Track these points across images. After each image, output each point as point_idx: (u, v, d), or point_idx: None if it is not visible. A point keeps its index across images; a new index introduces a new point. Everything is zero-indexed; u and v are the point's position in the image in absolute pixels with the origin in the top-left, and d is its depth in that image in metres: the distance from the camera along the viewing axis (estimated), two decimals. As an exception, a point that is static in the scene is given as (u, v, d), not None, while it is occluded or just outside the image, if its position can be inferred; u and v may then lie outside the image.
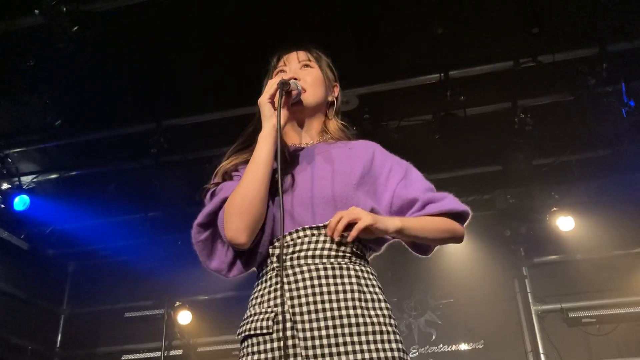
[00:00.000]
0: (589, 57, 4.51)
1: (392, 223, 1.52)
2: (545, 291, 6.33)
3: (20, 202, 5.52)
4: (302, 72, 1.76)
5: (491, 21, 4.34)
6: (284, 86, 1.57)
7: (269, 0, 4.12)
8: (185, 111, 5.09)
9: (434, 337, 6.39)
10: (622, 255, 6.18)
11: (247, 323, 1.50)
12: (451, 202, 1.65)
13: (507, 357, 6.15)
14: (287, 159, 1.63)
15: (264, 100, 1.58)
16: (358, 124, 4.96)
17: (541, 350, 6.09)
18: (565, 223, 6.03)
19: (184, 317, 6.75)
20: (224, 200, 1.54)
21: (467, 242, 6.36)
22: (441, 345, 6.33)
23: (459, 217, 1.65)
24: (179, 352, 6.86)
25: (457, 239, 1.66)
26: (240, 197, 1.50)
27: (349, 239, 1.47)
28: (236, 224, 1.48)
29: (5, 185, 5.57)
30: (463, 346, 6.29)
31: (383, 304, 1.51)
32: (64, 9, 3.70)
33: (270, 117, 1.56)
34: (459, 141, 4.97)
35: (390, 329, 1.47)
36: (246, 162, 1.62)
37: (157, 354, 6.78)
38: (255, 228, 1.50)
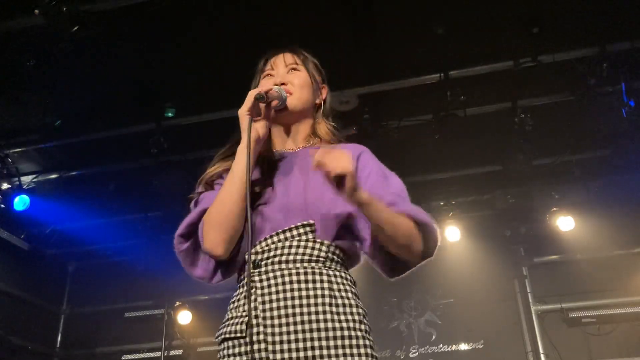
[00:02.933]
0: (589, 57, 4.50)
1: (362, 191, 1.43)
2: (545, 291, 6.34)
3: (20, 202, 5.52)
4: (290, 76, 1.74)
5: (491, 21, 4.34)
6: (259, 99, 1.56)
7: (269, 1, 4.12)
8: (185, 111, 5.09)
9: (434, 337, 6.39)
10: (622, 255, 6.18)
11: (224, 326, 1.54)
12: (414, 209, 1.56)
13: (507, 357, 6.15)
14: (266, 167, 1.64)
15: (242, 113, 1.57)
16: (358, 124, 4.96)
17: (541, 350, 6.09)
18: (565, 223, 6.03)
19: (184, 317, 6.75)
20: (203, 212, 1.58)
21: (467, 242, 6.38)
22: (441, 345, 6.33)
23: (421, 226, 1.56)
24: (179, 352, 6.86)
25: (412, 252, 1.55)
26: (216, 210, 1.54)
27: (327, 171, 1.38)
28: (213, 237, 1.53)
29: (5, 185, 5.57)
30: (463, 346, 6.29)
31: (354, 309, 1.50)
32: (64, 9, 3.70)
33: (246, 129, 1.55)
34: (459, 141, 4.97)
35: (360, 334, 1.47)
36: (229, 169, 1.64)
37: (157, 354, 6.78)
38: (232, 240, 1.54)
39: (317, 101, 1.81)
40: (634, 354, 5.81)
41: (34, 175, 5.79)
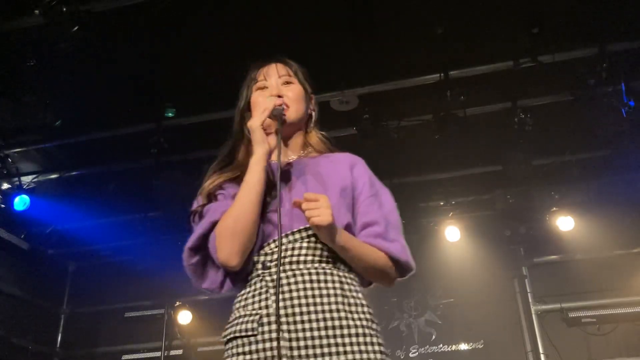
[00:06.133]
0: (589, 57, 4.50)
1: (338, 238, 1.54)
2: (545, 291, 6.34)
3: (20, 202, 5.52)
4: (284, 89, 1.77)
5: (491, 21, 4.35)
6: (280, 116, 1.63)
7: (269, 1, 4.12)
8: (185, 111, 5.09)
9: (434, 337, 6.39)
10: (622, 255, 6.18)
11: (233, 325, 1.54)
12: (398, 249, 1.64)
13: (507, 357, 6.16)
14: (271, 177, 1.65)
15: (255, 126, 1.61)
16: (358, 124, 4.96)
17: (541, 350, 6.10)
18: (565, 223, 6.03)
19: (184, 317, 6.75)
20: (213, 223, 1.58)
21: (467, 242, 6.38)
22: (441, 345, 6.33)
23: (399, 266, 1.65)
24: (179, 352, 6.86)
25: (385, 282, 1.68)
26: (232, 221, 1.54)
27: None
28: (229, 248, 1.53)
29: (5, 185, 5.58)
30: (463, 346, 6.29)
31: (365, 309, 1.54)
32: (64, 9, 3.70)
33: (262, 142, 1.60)
34: (459, 141, 4.97)
35: (372, 332, 1.51)
36: (231, 180, 1.67)
37: (157, 354, 6.78)
38: (247, 250, 1.55)
39: (309, 112, 1.84)
40: (634, 354, 5.82)
41: (34, 175, 5.78)
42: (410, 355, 6.35)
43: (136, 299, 7.01)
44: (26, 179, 5.73)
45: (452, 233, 6.30)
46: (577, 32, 4.39)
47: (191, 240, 1.60)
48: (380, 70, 4.70)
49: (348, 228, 1.61)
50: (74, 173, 5.78)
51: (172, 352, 6.85)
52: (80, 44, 3.92)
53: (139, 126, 5.18)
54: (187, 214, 1.70)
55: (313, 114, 1.86)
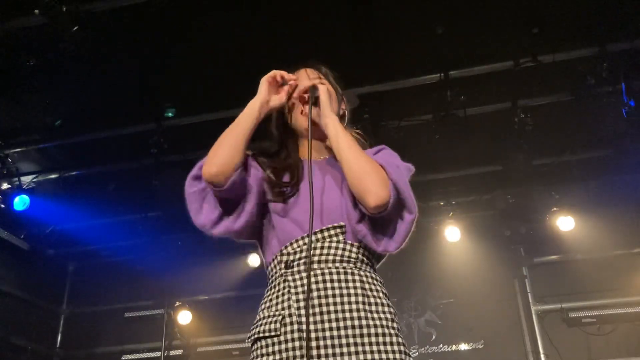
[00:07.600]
0: (589, 57, 4.51)
1: (331, 119, 1.67)
2: (545, 291, 6.33)
3: (20, 202, 5.52)
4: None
5: (491, 21, 4.35)
6: (314, 91, 1.70)
7: (269, 1, 4.12)
8: (185, 111, 5.09)
9: (434, 337, 6.39)
10: (622, 255, 6.18)
11: (257, 326, 1.56)
12: (397, 171, 1.61)
13: (507, 357, 6.15)
14: (295, 174, 1.69)
15: (264, 79, 1.72)
16: (358, 124, 4.95)
17: (541, 350, 6.09)
18: (565, 223, 6.02)
19: (184, 317, 6.75)
20: None
21: (467, 242, 6.38)
22: (441, 345, 6.33)
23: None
24: (179, 352, 6.86)
25: (373, 190, 1.51)
26: (221, 136, 1.65)
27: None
28: (210, 158, 1.61)
29: (5, 185, 5.57)
30: (463, 346, 6.29)
31: (386, 308, 1.56)
32: (64, 9, 3.70)
33: (264, 93, 1.70)
34: (459, 141, 4.97)
35: (393, 331, 1.52)
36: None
37: (157, 354, 6.78)
38: (227, 162, 1.59)
39: (341, 112, 1.87)
40: (634, 354, 5.81)
41: (34, 175, 5.78)
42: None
43: (136, 299, 7.01)
44: (26, 179, 5.73)
45: (452, 233, 6.29)
46: (577, 32, 4.39)
47: (194, 169, 1.67)
48: (380, 70, 4.70)
49: (361, 220, 1.59)
50: (74, 173, 5.78)
51: (172, 352, 6.85)
52: (80, 44, 3.93)
53: (139, 126, 5.18)
54: (187, 214, 1.71)
55: (345, 113, 1.91)
